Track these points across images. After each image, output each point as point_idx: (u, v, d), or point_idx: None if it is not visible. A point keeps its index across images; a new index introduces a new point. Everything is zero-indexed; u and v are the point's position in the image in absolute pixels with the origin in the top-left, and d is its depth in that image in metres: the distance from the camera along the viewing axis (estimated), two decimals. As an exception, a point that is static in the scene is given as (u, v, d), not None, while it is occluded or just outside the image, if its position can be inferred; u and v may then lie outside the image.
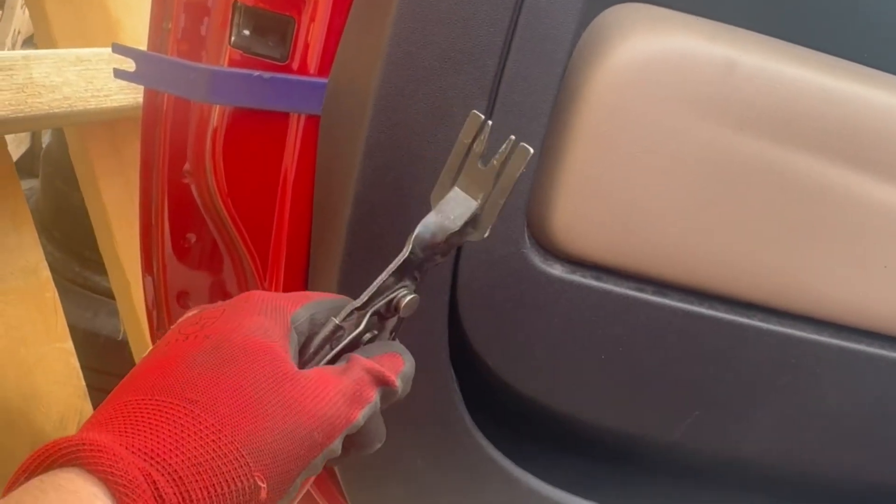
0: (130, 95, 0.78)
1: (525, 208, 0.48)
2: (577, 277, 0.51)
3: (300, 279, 0.55)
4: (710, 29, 0.48)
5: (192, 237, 0.65)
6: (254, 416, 0.32)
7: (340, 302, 0.39)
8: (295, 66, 0.50)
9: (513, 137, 0.36)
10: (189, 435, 0.31)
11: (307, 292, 0.40)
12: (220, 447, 0.31)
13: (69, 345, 0.77)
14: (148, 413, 0.31)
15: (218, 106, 0.54)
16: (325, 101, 0.49)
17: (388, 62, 0.44)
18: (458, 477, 0.55)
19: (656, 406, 0.55)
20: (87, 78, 0.75)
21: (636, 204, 0.49)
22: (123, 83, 0.77)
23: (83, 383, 0.77)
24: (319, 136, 0.50)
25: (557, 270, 0.50)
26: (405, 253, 0.38)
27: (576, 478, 0.59)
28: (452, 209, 0.38)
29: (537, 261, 0.50)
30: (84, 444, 0.30)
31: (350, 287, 0.45)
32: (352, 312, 0.38)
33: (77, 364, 0.77)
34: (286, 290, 0.55)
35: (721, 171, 0.49)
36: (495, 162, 0.36)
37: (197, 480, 0.30)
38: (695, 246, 0.51)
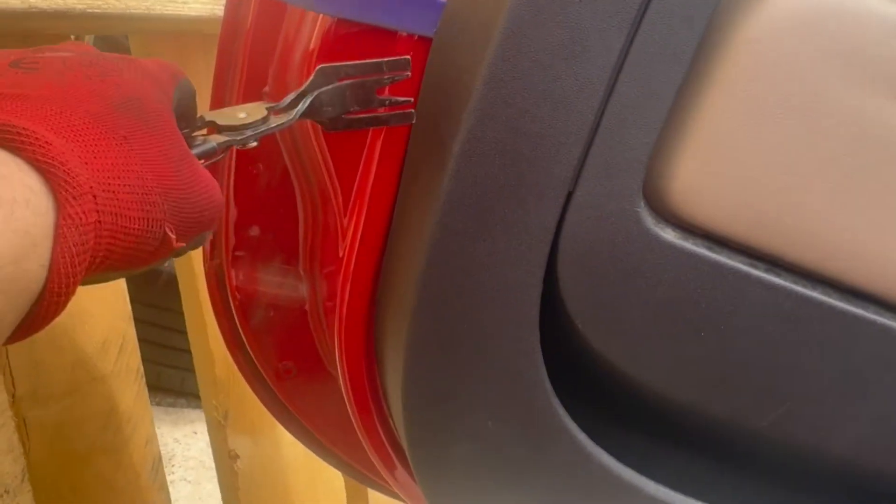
0: (207, 6, 0.73)
1: (646, 163, 0.44)
2: (688, 245, 0.47)
3: (384, 220, 0.51)
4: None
5: (261, 166, 0.61)
6: (171, 182, 0.32)
7: (187, 88, 0.40)
8: (410, -19, 0.45)
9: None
10: (122, 168, 0.30)
11: (175, 68, 0.40)
12: (146, 188, 0.31)
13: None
14: (84, 131, 0.29)
15: (317, 20, 0.50)
16: (441, 21, 0.44)
17: (525, -18, 0.40)
18: (528, 442, 0.52)
19: (750, 390, 0.51)
20: (167, -21, 0.70)
21: (769, 171, 0.45)
22: (203, -10, 0.72)
23: (129, 307, 0.74)
24: (429, 61, 0.46)
25: (669, 235, 0.47)
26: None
27: (648, 460, 0.56)
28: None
29: (649, 222, 0.46)
30: (23, 128, 0.27)
31: (454, 218, 0.42)
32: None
33: (125, 287, 0.74)
34: (368, 234, 0.51)
35: (875, 146, 0.44)
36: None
37: (128, 210, 0.30)
38: (824, 225, 0.47)
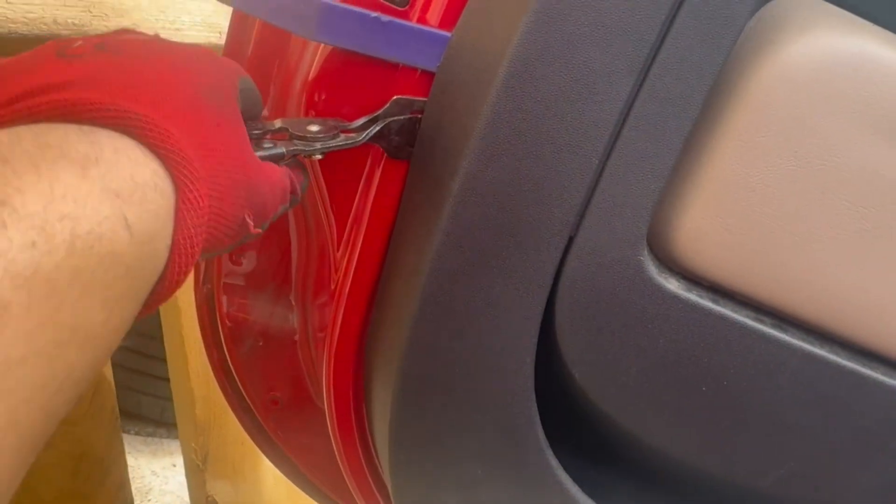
0: (203, 33, 0.73)
1: (651, 210, 0.43)
2: (692, 296, 0.45)
3: (379, 256, 0.49)
4: (892, 38, 0.42)
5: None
6: (248, 170, 0.34)
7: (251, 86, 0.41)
8: (415, 14, 0.44)
9: None
10: (222, 154, 0.32)
11: (233, 67, 0.40)
12: (236, 175, 0.33)
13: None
14: (187, 117, 0.31)
15: (318, 49, 0.48)
16: (445, 56, 0.43)
17: (532, 21, 0.38)
18: (519, 494, 0.50)
19: (752, 449, 0.49)
20: (161, 6, 0.70)
21: (777, 223, 0.43)
22: (198, 19, 0.72)
23: None
24: (431, 96, 0.44)
25: (673, 285, 0.45)
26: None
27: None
28: None
29: (653, 271, 0.44)
30: (144, 115, 0.29)
31: (449, 259, 0.40)
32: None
33: None
34: (362, 269, 0.49)
35: (888, 203, 0.43)
36: None
37: (226, 195, 0.32)
38: (833, 281, 0.45)
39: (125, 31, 0.38)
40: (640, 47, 0.39)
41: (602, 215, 0.42)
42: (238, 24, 0.55)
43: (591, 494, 0.50)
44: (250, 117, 0.41)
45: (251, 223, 0.34)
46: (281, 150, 0.40)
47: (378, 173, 0.48)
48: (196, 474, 0.84)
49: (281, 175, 0.39)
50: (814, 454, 0.50)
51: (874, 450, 0.49)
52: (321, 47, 0.47)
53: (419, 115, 0.45)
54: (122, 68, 0.32)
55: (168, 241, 0.29)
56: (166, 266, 0.29)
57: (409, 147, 0.45)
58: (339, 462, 0.60)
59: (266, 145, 0.40)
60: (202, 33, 0.68)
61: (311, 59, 0.50)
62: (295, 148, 0.41)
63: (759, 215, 0.44)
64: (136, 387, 1.59)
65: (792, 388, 0.47)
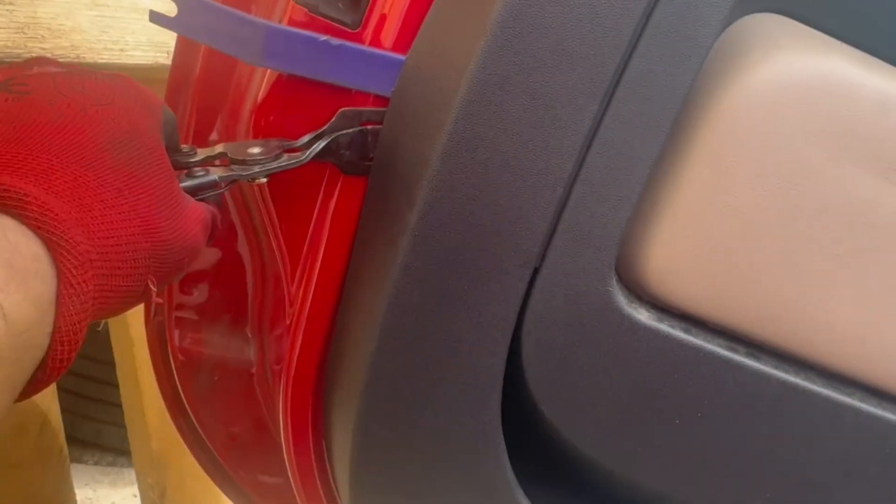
0: (149, 53, 0.69)
1: (619, 239, 0.41)
2: (663, 327, 0.43)
3: (334, 289, 0.47)
4: (862, 58, 0.41)
5: (209, 219, 0.57)
6: (158, 229, 0.33)
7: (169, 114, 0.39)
8: (367, 36, 0.42)
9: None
10: (116, 226, 0.30)
11: (155, 98, 0.38)
12: (136, 244, 0.31)
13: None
14: (80, 187, 0.29)
15: (265, 73, 0.46)
16: (399, 80, 0.41)
17: (490, 46, 0.36)
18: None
19: (729, 481, 0.47)
20: (102, 26, 0.66)
21: (750, 249, 0.42)
22: (142, 38, 0.68)
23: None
24: (385, 122, 0.42)
25: (643, 316, 0.43)
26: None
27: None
28: None
29: (622, 301, 0.42)
30: (25, 194, 0.27)
31: (408, 294, 0.38)
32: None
33: None
34: (317, 304, 0.47)
35: (862, 228, 0.41)
36: None
37: (118, 270, 0.30)
38: (807, 308, 0.44)
39: (39, 61, 0.36)
40: (603, 70, 0.37)
41: (568, 245, 0.40)
42: (184, 46, 0.52)
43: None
44: (173, 147, 0.39)
45: (154, 288, 0.33)
46: (213, 177, 0.38)
47: (334, 198, 0.46)
48: (154, 512, 0.80)
49: (204, 214, 0.37)
50: (792, 483, 0.48)
51: (853, 476, 0.48)
52: (268, 70, 0.45)
53: (369, 127, 0.42)
54: (18, 122, 0.30)
55: (49, 329, 0.27)
56: (47, 353, 0.28)
57: (364, 162, 0.43)
58: (299, 500, 0.57)
59: (198, 173, 0.38)
60: (148, 53, 0.64)
61: (260, 81, 0.47)
62: (231, 174, 0.39)
63: (730, 241, 0.42)
64: (94, 415, 1.54)
65: (768, 417, 0.46)
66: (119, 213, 0.31)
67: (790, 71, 0.39)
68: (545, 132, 0.38)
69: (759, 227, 0.41)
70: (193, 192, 0.38)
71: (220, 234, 0.59)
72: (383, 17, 0.41)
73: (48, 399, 0.68)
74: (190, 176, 0.38)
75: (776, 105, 0.39)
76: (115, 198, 0.31)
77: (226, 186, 0.39)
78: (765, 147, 0.39)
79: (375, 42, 0.41)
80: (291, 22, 0.42)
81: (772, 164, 0.40)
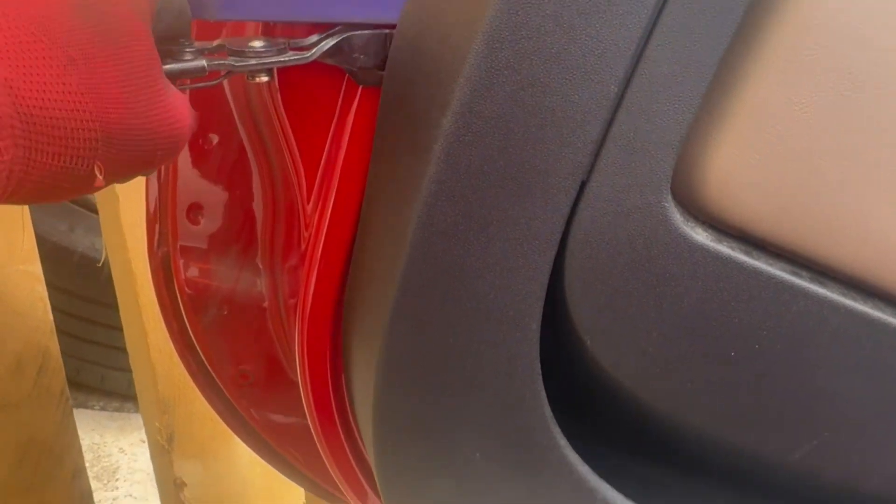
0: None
1: (678, 147, 0.36)
2: (722, 248, 0.39)
3: (355, 208, 0.42)
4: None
5: (215, 138, 0.53)
6: (117, 115, 0.30)
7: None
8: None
9: None
10: (55, 97, 0.28)
11: None
12: (79, 122, 0.29)
13: (36, 268, 0.64)
14: (26, 48, 0.28)
15: None
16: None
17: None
18: (523, 479, 0.44)
19: (784, 419, 0.44)
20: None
21: (823, 161, 0.37)
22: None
23: (50, 317, 0.64)
24: (402, 17, 0.37)
25: (700, 236, 0.39)
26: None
27: (655, 490, 0.48)
28: None
29: (678, 220, 0.38)
30: None
31: (440, 213, 0.34)
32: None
33: (45, 293, 0.63)
34: (336, 224, 0.43)
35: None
36: None
37: (48, 146, 0.28)
38: (883, 229, 0.39)
39: None
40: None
41: (620, 155, 0.36)
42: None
43: (602, 475, 0.45)
44: (170, 36, 0.35)
45: (100, 176, 0.30)
46: (200, 62, 0.34)
47: (351, 114, 0.41)
48: (162, 456, 0.77)
49: (187, 106, 0.34)
50: (851, 423, 0.44)
51: (919, 415, 0.44)
52: None
53: (388, 30, 0.38)
54: None
55: None
56: None
57: (380, 71, 0.38)
58: (317, 442, 0.54)
59: (186, 58, 0.34)
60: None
61: None
62: (224, 62, 0.35)
63: (801, 151, 0.37)
64: (99, 360, 1.52)
65: (831, 348, 0.42)
66: (63, 85, 0.28)
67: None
68: (598, 20, 0.33)
69: (834, 134, 0.37)
70: (174, 77, 0.34)
71: (229, 158, 0.54)
72: None
73: (46, 337, 0.65)
74: (174, 59, 0.34)
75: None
76: (65, 66, 0.28)
77: (223, 77, 0.35)
78: (848, 37, 0.35)
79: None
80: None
81: (855, 57, 0.35)
